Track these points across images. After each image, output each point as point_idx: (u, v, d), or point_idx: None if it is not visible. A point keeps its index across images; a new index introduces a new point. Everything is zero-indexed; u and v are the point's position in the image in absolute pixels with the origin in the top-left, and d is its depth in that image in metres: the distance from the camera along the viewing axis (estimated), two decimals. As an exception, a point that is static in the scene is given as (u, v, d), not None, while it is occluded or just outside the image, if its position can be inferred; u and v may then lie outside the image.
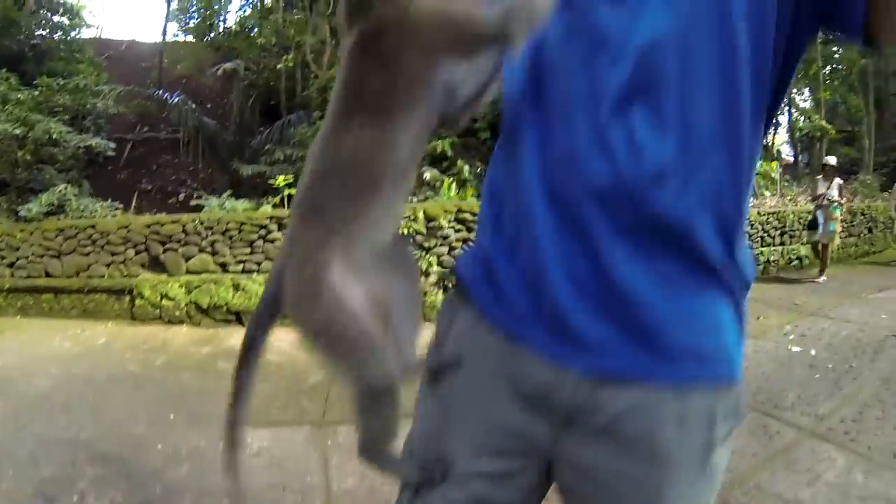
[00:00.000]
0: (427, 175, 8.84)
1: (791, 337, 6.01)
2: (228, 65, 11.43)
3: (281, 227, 6.85)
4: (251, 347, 0.99)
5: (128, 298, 6.92)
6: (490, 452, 0.92)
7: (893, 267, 11.21)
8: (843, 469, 3.32)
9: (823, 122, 17.12)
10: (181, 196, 11.57)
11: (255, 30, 12.55)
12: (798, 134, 22.14)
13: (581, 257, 0.84)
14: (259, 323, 0.98)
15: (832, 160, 10.10)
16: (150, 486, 3.33)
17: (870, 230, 13.12)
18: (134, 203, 10.44)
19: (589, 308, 0.84)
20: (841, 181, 9.69)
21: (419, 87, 0.84)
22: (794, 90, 27.77)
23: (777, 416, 4.08)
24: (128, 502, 3.15)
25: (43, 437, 3.91)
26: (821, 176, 10.05)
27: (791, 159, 28.70)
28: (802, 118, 25.54)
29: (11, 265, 7.39)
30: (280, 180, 8.06)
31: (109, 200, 9.30)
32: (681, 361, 0.84)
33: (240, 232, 6.91)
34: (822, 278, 9.34)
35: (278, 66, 11.80)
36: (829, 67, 22.36)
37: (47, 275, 7.25)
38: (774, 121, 28.50)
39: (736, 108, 0.81)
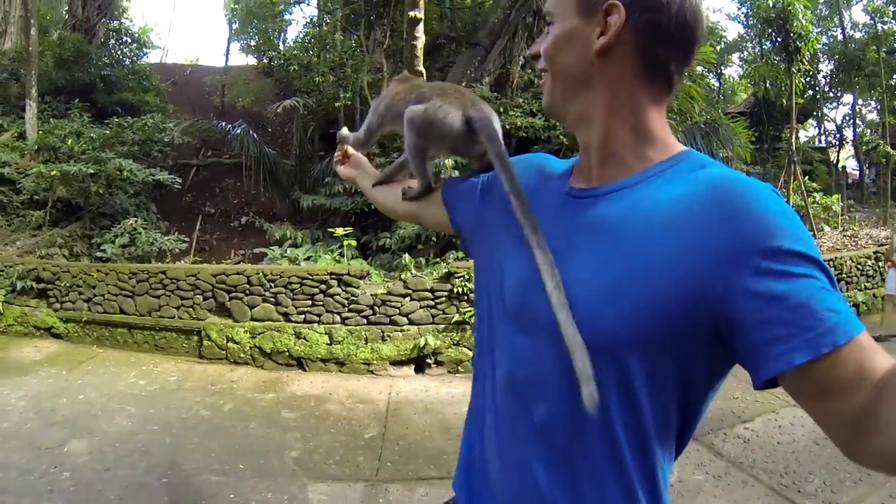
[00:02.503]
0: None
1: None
2: (287, 102, 11.86)
3: (340, 282, 7.16)
4: None
5: (196, 338, 7.33)
6: None
7: None
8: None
9: (888, 148, 16.53)
10: (243, 220, 12.09)
11: (313, 70, 12.99)
12: (864, 148, 21.13)
13: None
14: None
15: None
16: (226, 534, 3.65)
17: None
18: (198, 226, 10.95)
19: None
20: None
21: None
22: (860, 101, 27.02)
23: (797, 503, 4.12)
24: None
25: (128, 480, 4.28)
26: None
27: (857, 174, 27.83)
28: (869, 131, 24.62)
29: (88, 300, 7.88)
30: (339, 231, 8.33)
31: (176, 233, 9.81)
32: None
33: (301, 286, 7.22)
34: None
35: (336, 105, 12.25)
36: (894, 77, 21.47)
37: (121, 311, 7.72)
38: (839, 137, 27.00)
39: (621, 462, 0.98)
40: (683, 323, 0.88)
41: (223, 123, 12.66)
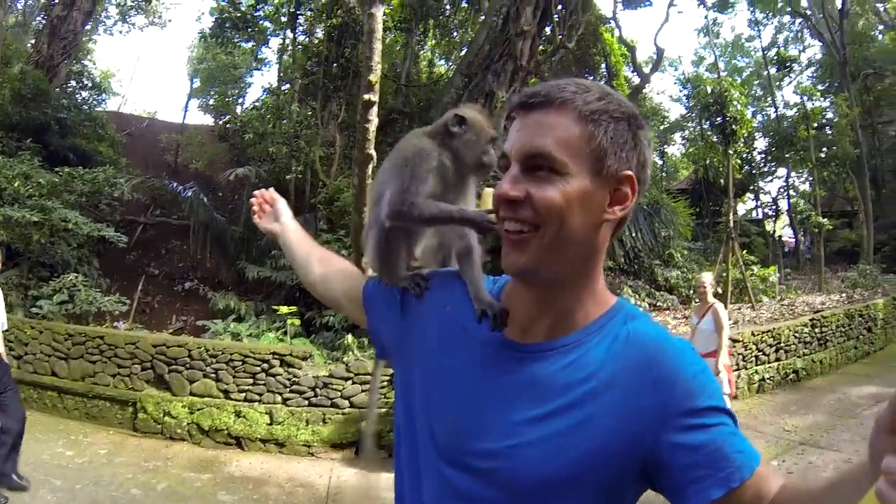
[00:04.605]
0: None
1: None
2: (240, 170, 12.03)
3: (283, 362, 7.12)
4: None
5: (131, 409, 7.12)
6: None
7: (894, 368, 11.00)
8: None
9: (820, 219, 17.48)
10: (187, 286, 11.92)
11: (267, 140, 13.27)
12: (798, 217, 22.42)
13: None
14: None
15: (707, 280, 7.12)
16: None
17: (869, 329, 12.46)
18: (140, 287, 10.76)
19: None
20: (720, 308, 6.82)
21: None
22: (794, 174, 28.71)
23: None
24: None
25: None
26: (698, 303, 7.53)
27: (793, 242, 29.42)
28: (802, 201, 26.16)
29: (19, 358, 7.56)
30: (283, 309, 8.33)
31: (117, 293, 9.63)
32: None
33: (243, 363, 7.13)
34: None
35: (287, 177, 12.49)
36: (824, 150, 22.88)
37: (53, 373, 7.46)
38: (775, 208, 28.68)
39: None
40: (616, 470, 1.01)
41: (174, 184, 12.67)
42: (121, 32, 27.91)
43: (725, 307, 12.52)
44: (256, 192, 1.82)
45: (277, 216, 1.74)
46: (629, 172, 1.04)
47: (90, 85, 18.08)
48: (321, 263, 1.60)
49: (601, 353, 1.06)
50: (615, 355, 1.05)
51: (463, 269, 1.32)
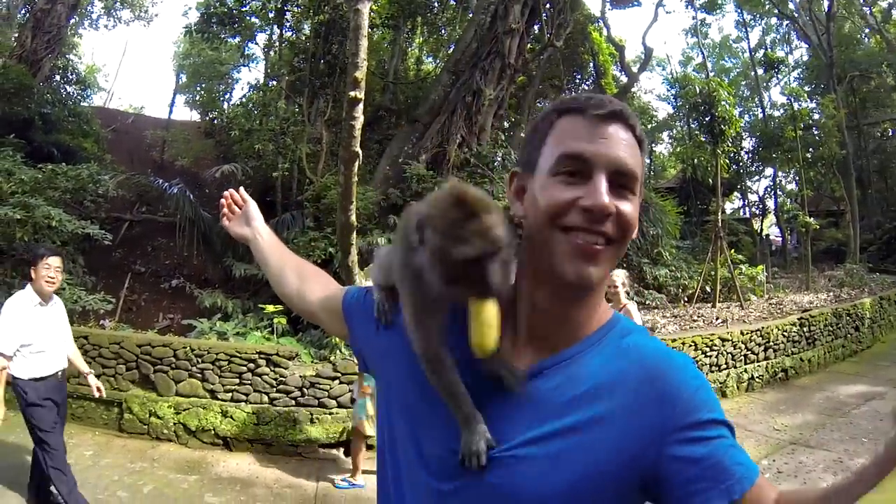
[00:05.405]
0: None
1: (767, 476, 6.06)
2: (226, 167, 11.96)
3: (269, 362, 7.03)
4: None
5: (116, 410, 7.02)
6: None
7: (882, 367, 11.09)
8: None
9: (807, 218, 17.62)
10: (174, 283, 11.84)
11: (254, 137, 13.22)
12: (785, 216, 22.68)
13: None
14: None
15: (619, 278, 6.07)
16: None
17: (856, 328, 12.64)
18: (126, 285, 10.65)
19: None
20: (633, 310, 6.04)
21: None
22: (780, 174, 29.06)
23: None
24: None
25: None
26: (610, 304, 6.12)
27: (780, 241, 29.92)
28: (789, 200, 26.44)
29: (2, 358, 7.44)
30: (270, 308, 8.27)
31: (102, 292, 9.51)
32: None
33: (229, 363, 7.03)
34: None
35: (274, 174, 12.43)
36: (810, 151, 23.09)
37: (37, 374, 7.33)
38: (762, 207, 29.17)
39: None
40: (617, 486, 1.00)
41: (160, 181, 12.58)
42: (106, 27, 27.69)
43: (714, 306, 12.81)
44: (226, 193, 1.72)
45: (249, 219, 1.66)
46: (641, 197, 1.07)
47: (75, 80, 17.92)
48: (296, 274, 1.52)
49: (599, 367, 1.05)
50: (615, 371, 1.04)
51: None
